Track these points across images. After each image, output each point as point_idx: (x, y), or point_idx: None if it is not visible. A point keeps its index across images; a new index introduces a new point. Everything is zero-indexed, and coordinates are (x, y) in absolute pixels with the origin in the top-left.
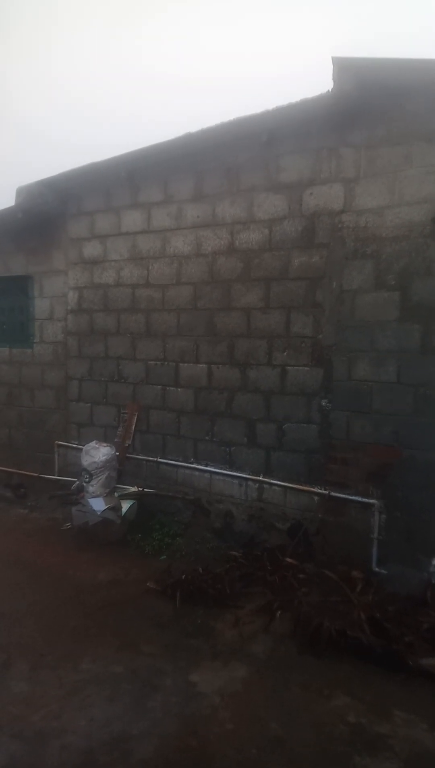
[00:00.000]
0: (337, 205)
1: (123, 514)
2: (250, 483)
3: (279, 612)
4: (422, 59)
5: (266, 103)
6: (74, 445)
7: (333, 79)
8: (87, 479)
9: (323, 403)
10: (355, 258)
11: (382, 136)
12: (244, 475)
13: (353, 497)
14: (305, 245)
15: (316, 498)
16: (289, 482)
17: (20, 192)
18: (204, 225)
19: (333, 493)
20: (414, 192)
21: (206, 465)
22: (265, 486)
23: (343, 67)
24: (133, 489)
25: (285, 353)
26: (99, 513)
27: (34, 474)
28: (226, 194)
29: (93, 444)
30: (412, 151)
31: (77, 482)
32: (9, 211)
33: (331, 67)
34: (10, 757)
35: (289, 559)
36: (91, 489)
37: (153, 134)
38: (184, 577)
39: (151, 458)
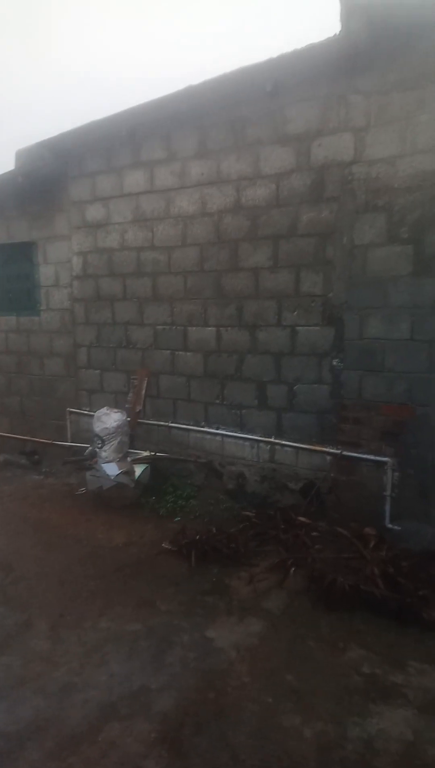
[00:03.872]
0: (346, 155)
1: (136, 478)
2: (261, 445)
3: (293, 569)
4: None
5: (271, 52)
6: (85, 412)
7: (341, 21)
8: (99, 445)
9: (334, 363)
10: (366, 211)
11: (393, 80)
12: (256, 437)
13: (366, 456)
14: (314, 200)
15: (328, 458)
16: (300, 443)
17: (20, 155)
18: (209, 182)
19: (345, 453)
20: (427, 139)
21: (217, 428)
22: (277, 447)
23: (351, 8)
24: (146, 453)
25: (295, 313)
26: (112, 477)
27: (48, 441)
28: (231, 149)
29: (104, 410)
30: (425, 95)
31: (90, 448)
32: (9, 176)
33: (339, 8)
34: (35, 710)
35: (301, 518)
36: (104, 454)
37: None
38: (198, 537)
39: (162, 423)
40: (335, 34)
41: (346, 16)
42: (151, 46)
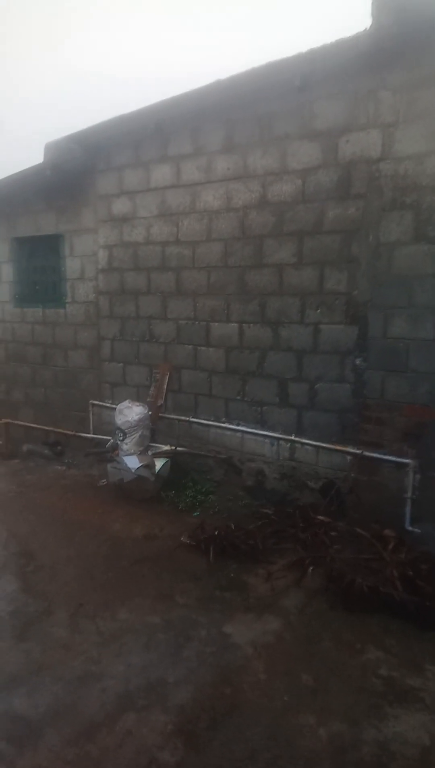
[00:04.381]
0: (374, 152)
1: (157, 471)
2: (281, 442)
3: (311, 568)
4: None
5: (299, 47)
6: (108, 404)
7: (371, 15)
8: (121, 438)
9: (357, 362)
10: (393, 209)
11: (423, 75)
12: (276, 435)
13: (387, 457)
14: (340, 196)
15: (348, 457)
16: (321, 442)
17: (48, 148)
18: (235, 177)
19: (366, 453)
20: None
21: (238, 424)
22: (297, 445)
23: (383, 2)
24: (166, 447)
25: (318, 311)
26: (133, 470)
27: (70, 432)
28: (258, 144)
29: (126, 403)
30: None
31: (112, 440)
32: (37, 168)
33: (370, 2)
34: (54, 698)
35: (320, 517)
36: (125, 447)
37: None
38: (217, 532)
39: (183, 418)
40: (365, 29)
41: (377, 10)
42: (169, 46)
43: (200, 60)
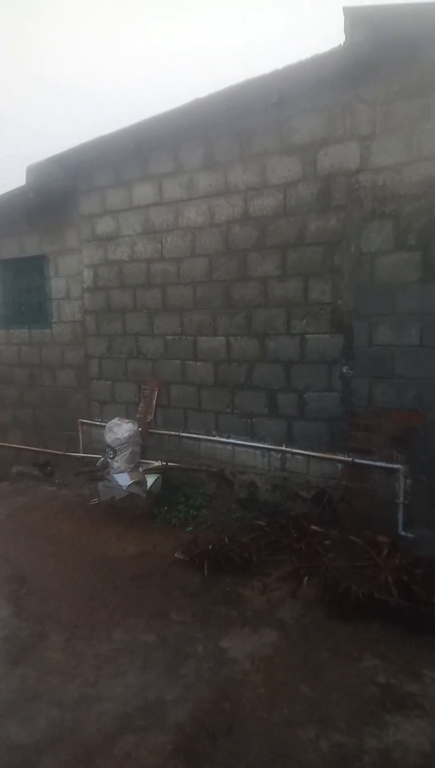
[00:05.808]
0: (353, 164)
1: (148, 488)
2: (272, 453)
3: (306, 578)
4: None
5: (276, 64)
6: (97, 423)
7: (345, 31)
8: (111, 455)
9: (344, 371)
10: (373, 219)
11: (398, 88)
12: (267, 446)
13: (377, 463)
14: (321, 208)
15: (339, 465)
16: (311, 451)
17: (30, 171)
18: (216, 194)
19: (357, 460)
20: (433, 146)
21: (228, 437)
22: (288, 456)
23: (355, 18)
24: (157, 463)
25: (304, 321)
26: (125, 488)
27: (60, 452)
28: (238, 160)
29: (115, 421)
30: (429, 102)
31: (102, 459)
32: (20, 191)
33: (343, 19)
34: (51, 723)
35: (314, 526)
36: (115, 465)
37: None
38: (210, 547)
39: (173, 432)
40: (339, 45)
41: (350, 27)
42: (149, 62)
43: (181, 74)
